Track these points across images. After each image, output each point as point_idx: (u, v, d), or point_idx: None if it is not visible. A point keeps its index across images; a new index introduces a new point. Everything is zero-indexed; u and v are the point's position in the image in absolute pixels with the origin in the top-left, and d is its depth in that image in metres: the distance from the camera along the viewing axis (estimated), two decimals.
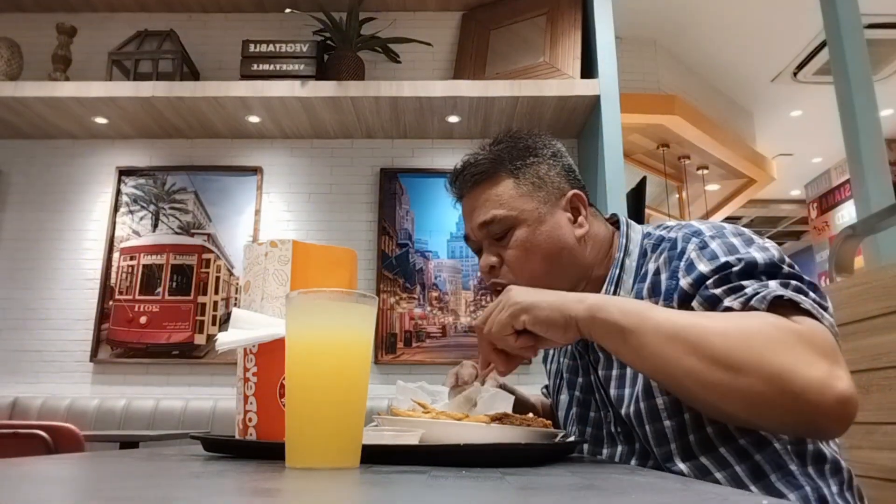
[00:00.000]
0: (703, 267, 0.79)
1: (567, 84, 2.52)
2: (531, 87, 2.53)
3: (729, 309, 0.74)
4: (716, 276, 0.77)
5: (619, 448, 0.90)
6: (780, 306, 0.71)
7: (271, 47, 2.65)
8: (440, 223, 2.84)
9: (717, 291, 0.76)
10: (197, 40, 2.91)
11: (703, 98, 5.11)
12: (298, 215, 2.84)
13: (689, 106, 4.76)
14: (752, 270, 0.76)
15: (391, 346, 2.69)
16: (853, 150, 2.22)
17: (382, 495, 0.41)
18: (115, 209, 2.81)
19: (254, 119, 2.73)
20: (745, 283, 0.75)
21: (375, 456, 0.59)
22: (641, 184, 3.87)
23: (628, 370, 0.86)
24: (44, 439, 1.51)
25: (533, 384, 2.60)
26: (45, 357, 2.67)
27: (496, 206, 0.94)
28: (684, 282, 0.80)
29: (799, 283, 0.74)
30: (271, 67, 2.62)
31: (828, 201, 6.97)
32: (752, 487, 0.76)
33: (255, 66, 2.62)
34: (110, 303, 2.70)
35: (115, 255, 2.76)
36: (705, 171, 5.60)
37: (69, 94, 2.54)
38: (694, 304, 0.78)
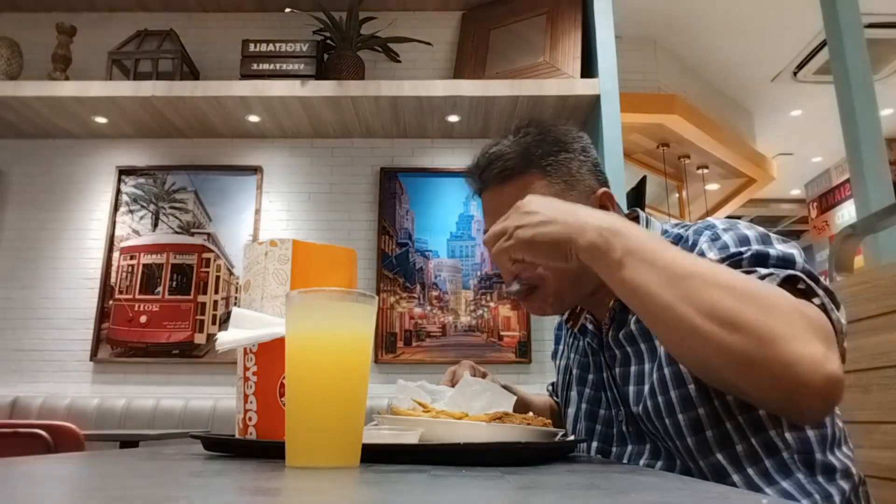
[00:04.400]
0: (713, 255, 0.78)
1: (567, 84, 2.52)
2: (531, 87, 2.53)
3: None
4: (725, 263, 0.75)
5: (630, 447, 0.89)
6: (792, 289, 0.70)
7: (271, 47, 2.65)
8: (440, 223, 2.84)
9: None
10: (197, 40, 2.90)
11: (703, 98, 5.11)
12: (298, 215, 2.84)
13: (689, 105, 4.76)
14: (763, 261, 0.74)
15: (391, 345, 2.69)
16: (853, 150, 2.22)
17: (382, 495, 0.41)
18: (115, 208, 2.81)
19: (254, 119, 2.73)
20: (757, 268, 0.73)
21: (375, 455, 0.59)
22: (641, 183, 3.87)
23: (646, 366, 0.85)
24: (44, 439, 1.51)
25: (532, 384, 2.60)
26: (46, 356, 2.67)
27: None
28: None
29: (813, 282, 0.73)
30: (271, 67, 2.62)
31: (828, 201, 6.97)
32: (767, 490, 0.75)
33: (255, 66, 2.62)
34: (110, 302, 2.70)
35: (116, 255, 2.76)
36: (705, 171, 5.60)
37: (69, 93, 2.54)
38: None
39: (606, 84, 2.49)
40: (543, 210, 0.76)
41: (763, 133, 5.95)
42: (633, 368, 0.87)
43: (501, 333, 2.72)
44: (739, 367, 0.64)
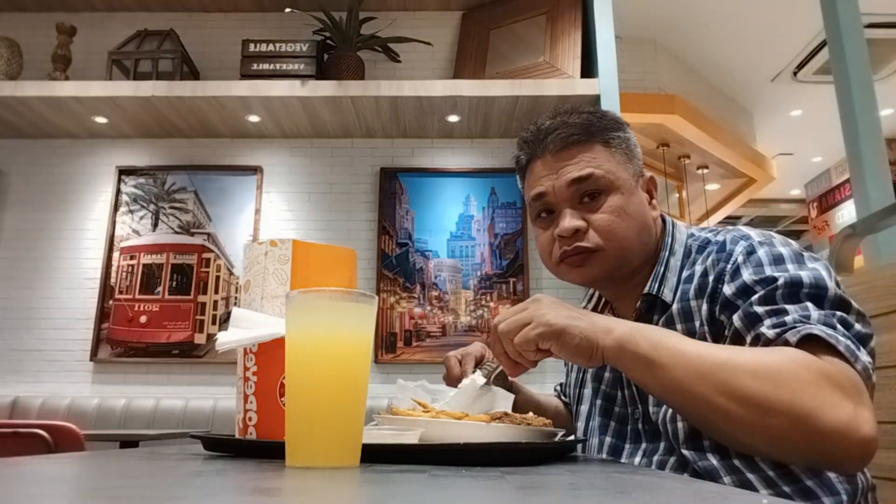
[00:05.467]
0: (748, 276, 0.79)
1: (567, 83, 2.52)
2: (531, 87, 2.53)
3: (761, 335, 0.74)
4: (761, 293, 0.77)
5: (644, 445, 0.89)
6: (812, 342, 0.71)
7: (271, 47, 2.65)
8: (440, 223, 2.84)
9: (760, 310, 0.76)
10: (197, 40, 2.90)
11: (703, 98, 5.11)
12: (298, 215, 2.84)
13: (689, 106, 4.76)
14: (797, 291, 0.76)
15: (391, 345, 2.69)
16: (853, 150, 2.22)
17: (382, 494, 0.41)
18: (115, 208, 2.81)
19: (254, 119, 2.73)
20: (788, 307, 0.75)
21: (375, 455, 0.59)
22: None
23: None
24: (44, 438, 1.51)
25: (532, 384, 2.60)
26: (46, 356, 2.67)
27: (594, 165, 0.90)
28: (728, 288, 0.80)
29: (844, 315, 0.75)
30: (271, 67, 2.62)
31: (828, 201, 6.97)
32: (787, 489, 0.75)
33: (255, 66, 2.62)
34: (110, 302, 2.70)
35: (115, 255, 2.76)
36: (705, 171, 5.60)
37: (69, 93, 2.54)
38: (735, 316, 0.78)
39: (606, 84, 2.48)
40: (563, 307, 0.78)
41: (763, 133, 5.96)
42: None
43: None
44: (779, 446, 0.69)
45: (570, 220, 0.89)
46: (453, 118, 2.74)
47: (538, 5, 2.81)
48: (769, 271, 0.78)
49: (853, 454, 0.66)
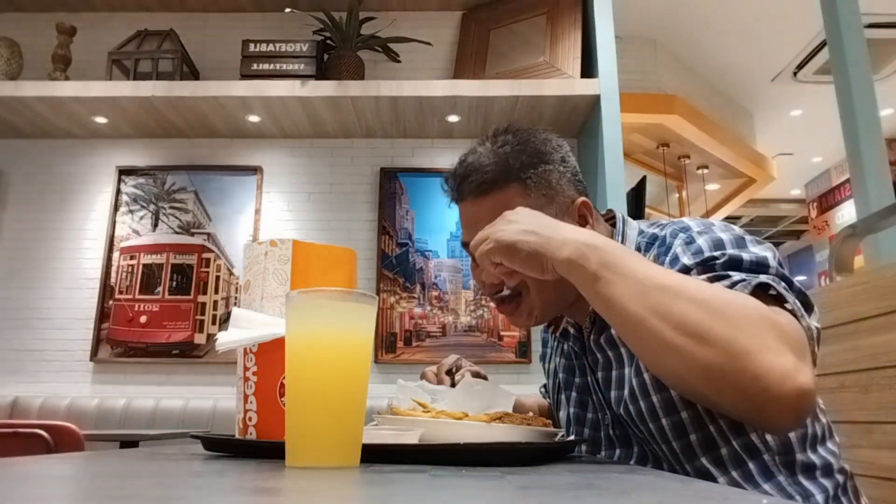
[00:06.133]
0: (687, 259, 0.78)
1: (567, 83, 2.52)
2: (531, 87, 2.53)
3: None
4: (699, 268, 0.76)
5: (617, 451, 0.89)
6: (763, 296, 0.70)
7: (271, 47, 2.65)
8: (440, 223, 2.84)
9: (701, 277, 0.74)
10: (197, 40, 2.90)
11: (703, 98, 5.11)
12: (298, 215, 2.84)
13: (689, 106, 4.76)
14: (736, 266, 0.75)
15: (391, 345, 2.69)
16: (853, 150, 2.22)
17: (382, 495, 0.41)
18: (115, 208, 2.81)
19: (254, 119, 2.73)
20: (730, 272, 0.74)
21: (375, 455, 0.59)
22: (641, 183, 3.87)
23: (626, 370, 0.85)
24: (44, 439, 1.51)
25: (532, 384, 2.60)
26: (46, 356, 2.67)
27: None
28: None
29: (786, 285, 0.73)
30: (271, 67, 2.62)
31: (828, 201, 6.97)
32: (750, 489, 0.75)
33: (255, 66, 2.62)
34: (110, 302, 2.70)
35: (115, 255, 2.76)
36: (705, 171, 5.60)
37: (69, 93, 2.54)
38: None
39: (606, 84, 2.49)
40: (527, 221, 0.78)
41: (763, 133, 5.96)
42: (614, 373, 0.87)
43: (501, 333, 2.72)
44: (710, 380, 0.65)
45: (488, 276, 0.90)
46: (453, 118, 2.74)
47: (538, 5, 2.81)
48: (708, 254, 0.77)
49: (785, 403, 0.63)
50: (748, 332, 0.64)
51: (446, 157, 2.91)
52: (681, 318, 0.65)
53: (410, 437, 0.64)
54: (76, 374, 2.64)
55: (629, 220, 0.96)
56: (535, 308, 0.90)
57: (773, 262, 0.76)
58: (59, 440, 1.52)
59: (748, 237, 0.81)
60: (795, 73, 5.08)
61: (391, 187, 2.85)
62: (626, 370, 0.85)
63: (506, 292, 0.90)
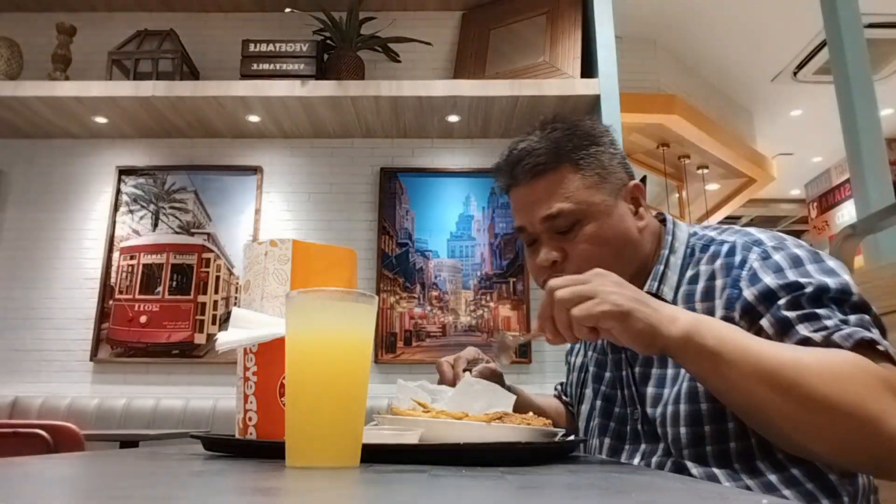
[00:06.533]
0: (770, 280, 0.78)
1: (567, 83, 2.52)
2: (531, 87, 2.53)
3: (808, 340, 0.73)
4: (787, 298, 0.76)
5: (643, 446, 0.89)
6: (861, 346, 0.71)
7: (271, 47, 2.65)
8: (440, 223, 2.84)
9: (791, 315, 0.74)
10: (197, 40, 2.90)
11: (703, 98, 5.11)
12: (298, 215, 2.84)
13: (689, 106, 4.76)
14: (821, 296, 0.75)
15: (391, 345, 2.69)
16: (853, 150, 2.22)
17: (382, 495, 0.41)
18: (115, 209, 2.81)
19: (254, 119, 2.73)
20: (819, 311, 0.74)
21: (375, 455, 0.59)
22: (641, 183, 3.87)
23: (670, 371, 0.85)
24: (44, 438, 1.51)
25: (532, 384, 2.60)
26: (46, 356, 2.67)
27: (562, 199, 0.89)
28: (748, 293, 0.79)
29: (869, 318, 0.74)
30: (271, 67, 2.62)
31: (828, 201, 6.97)
32: (787, 492, 0.75)
33: (255, 66, 2.62)
34: (110, 302, 2.70)
35: (115, 255, 2.76)
36: (705, 171, 5.60)
37: (69, 93, 2.54)
38: (763, 322, 0.77)
39: (606, 84, 2.48)
40: (626, 286, 0.73)
41: (763, 133, 5.96)
42: (654, 371, 0.87)
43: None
44: (839, 449, 0.67)
45: (545, 254, 0.90)
46: (453, 118, 2.74)
47: (538, 5, 2.81)
48: (792, 276, 0.77)
49: None
50: (872, 398, 0.66)
51: (446, 157, 2.91)
52: (809, 395, 0.66)
53: (410, 437, 0.64)
54: (76, 374, 2.64)
55: (679, 222, 0.97)
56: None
57: (854, 288, 0.77)
58: (59, 440, 1.52)
59: (822, 253, 0.81)
60: (795, 73, 5.08)
61: (391, 187, 2.85)
62: (670, 371, 0.85)
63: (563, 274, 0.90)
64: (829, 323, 0.73)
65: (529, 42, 2.76)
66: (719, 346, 0.69)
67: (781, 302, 0.76)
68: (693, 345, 0.70)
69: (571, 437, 0.92)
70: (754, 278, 0.79)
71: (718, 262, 0.85)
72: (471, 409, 0.78)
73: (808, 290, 0.75)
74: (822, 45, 4.45)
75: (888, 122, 5.52)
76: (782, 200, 7.59)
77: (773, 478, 0.76)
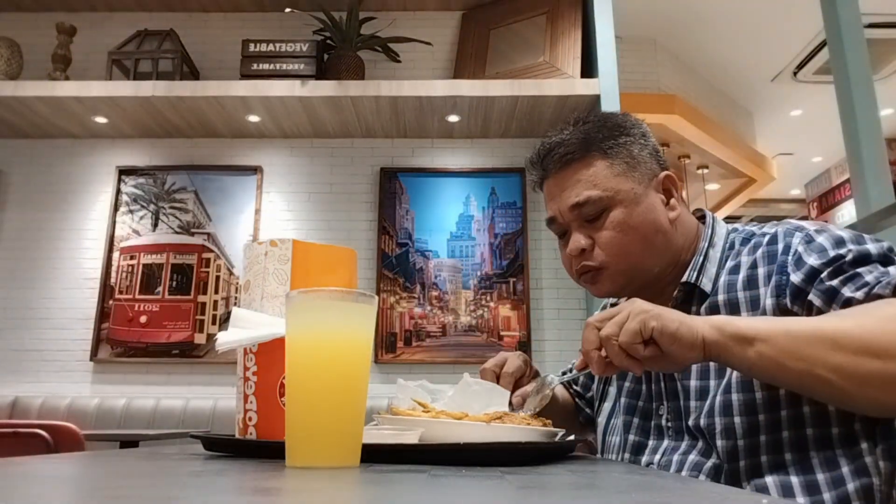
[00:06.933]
0: (814, 260, 0.78)
1: (567, 83, 2.52)
2: (531, 87, 2.53)
3: (851, 300, 0.73)
4: (829, 269, 0.77)
5: (666, 442, 0.89)
6: None
7: (271, 47, 2.65)
8: (440, 223, 2.84)
9: (834, 283, 0.75)
10: (197, 40, 2.90)
11: (703, 98, 5.11)
12: (298, 215, 2.84)
13: (689, 106, 4.76)
14: (865, 259, 0.76)
15: (391, 345, 2.69)
16: (853, 150, 2.22)
17: (382, 494, 0.41)
18: (115, 208, 2.81)
19: (254, 118, 2.73)
20: (860, 270, 0.75)
21: (375, 455, 0.59)
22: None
23: (713, 363, 0.83)
24: (44, 438, 1.51)
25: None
26: (46, 356, 2.67)
27: (590, 186, 0.90)
28: (795, 276, 0.79)
29: None
30: (271, 67, 2.62)
31: (828, 201, 6.97)
32: (819, 473, 0.75)
33: (255, 66, 2.62)
34: (110, 302, 2.70)
35: (115, 255, 2.76)
36: (705, 171, 5.60)
37: (69, 93, 2.54)
38: (811, 298, 0.77)
39: (606, 84, 2.48)
40: (662, 310, 0.73)
41: (763, 133, 5.96)
42: (696, 364, 0.86)
43: (501, 333, 2.72)
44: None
45: (574, 242, 0.92)
46: (453, 118, 2.74)
47: (538, 5, 2.81)
48: (833, 251, 0.78)
49: None
50: None
51: (446, 157, 2.91)
52: (859, 344, 0.66)
53: (410, 437, 0.64)
54: (76, 374, 2.64)
55: (718, 219, 0.98)
56: (620, 276, 0.91)
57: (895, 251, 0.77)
58: (59, 440, 1.52)
59: (865, 235, 0.82)
60: (795, 73, 5.08)
61: (391, 187, 2.85)
62: (713, 363, 0.84)
63: (591, 262, 0.91)
64: (869, 278, 0.74)
65: (529, 42, 2.76)
66: (753, 329, 0.70)
67: (824, 275, 0.77)
68: (727, 334, 0.70)
69: (571, 437, 0.92)
70: (800, 262, 0.80)
71: (760, 252, 0.86)
72: (470, 408, 0.78)
73: (849, 256, 0.76)
74: (822, 45, 4.45)
75: (888, 122, 5.52)
76: (782, 200, 7.59)
77: (834, 473, 0.75)
